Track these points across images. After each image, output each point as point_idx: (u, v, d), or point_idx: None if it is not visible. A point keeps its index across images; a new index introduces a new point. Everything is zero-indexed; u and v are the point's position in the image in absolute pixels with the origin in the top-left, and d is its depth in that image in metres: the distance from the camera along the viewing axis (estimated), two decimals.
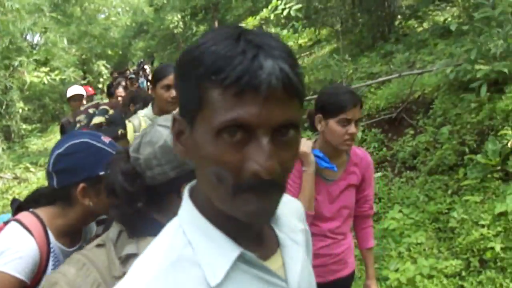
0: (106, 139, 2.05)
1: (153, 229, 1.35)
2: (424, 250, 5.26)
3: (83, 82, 19.30)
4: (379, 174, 7.33)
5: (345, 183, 3.01)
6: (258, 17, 10.60)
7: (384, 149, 7.78)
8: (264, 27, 10.84)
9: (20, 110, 15.92)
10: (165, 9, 20.76)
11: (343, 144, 2.80)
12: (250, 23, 10.52)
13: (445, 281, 4.72)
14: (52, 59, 16.37)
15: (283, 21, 10.94)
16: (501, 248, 4.54)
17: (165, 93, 3.74)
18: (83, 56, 20.68)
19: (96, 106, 3.10)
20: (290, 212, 1.25)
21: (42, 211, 2.02)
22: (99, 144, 2.00)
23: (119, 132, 2.76)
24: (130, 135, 3.42)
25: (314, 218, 2.91)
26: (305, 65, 13.37)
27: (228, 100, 0.89)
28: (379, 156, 7.70)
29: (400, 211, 5.91)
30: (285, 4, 10.02)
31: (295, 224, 1.23)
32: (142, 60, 40.65)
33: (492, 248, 4.57)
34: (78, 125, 2.91)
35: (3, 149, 13.56)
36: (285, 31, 10.54)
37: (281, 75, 0.89)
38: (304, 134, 8.15)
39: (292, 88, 0.92)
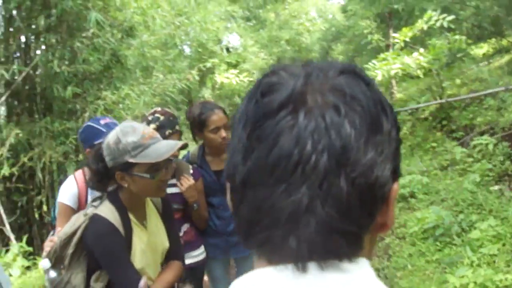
0: (103, 121, 3.35)
1: (109, 196, 2.58)
2: (494, 261, 5.39)
3: None
4: (496, 187, 7.36)
5: None
6: (414, 28, 10.76)
7: (508, 162, 7.74)
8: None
9: None
10: (356, 17, 21.21)
11: None
12: (405, 33, 10.73)
13: None
14: (243, 62, 17.71)
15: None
16: None
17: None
18: (271, 61, 21.84)
19: (153, 113, 3.94)
20: None
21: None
22: (95, 125, 3.31)
23: (167, 132, 3.56)
24: None
25: None
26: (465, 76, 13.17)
27: None
28: (502, 169, 7.69)
29: (489, 223, 6.02)
30: (439, 15, 10.16)
31: None
32: None
33: None
34: None
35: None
36: (440, 41, 10.62)
37: None
38: None
39: None
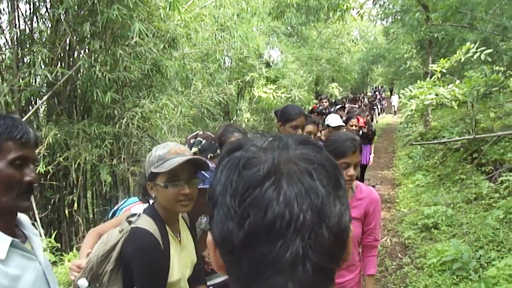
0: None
1: (146, 211, 2.69)
2: None
3: (315, 101, 20.78)
4: None
5: None
6: (452, 59, 10.74)
7: None
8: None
9: (246, 120, 17.51)
10: (397, 41, 21.22)
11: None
12: (442, 64, 10.71)
13: None
14: (282, 78, 17.80)
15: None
16: None
17: (292, 131, 4.67)
18: (310, 78, 21.91)
19: (196, 136, 4.03)
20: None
21: None
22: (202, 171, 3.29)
23: (209, 155, 3.67)
24: None
25: None
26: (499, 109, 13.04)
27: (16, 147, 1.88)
28: None
29: (507, 261, 6.03)
30: (478, 47, 10.14)
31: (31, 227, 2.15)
32: (379, 86, 41.48)
33: None
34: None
35: None
36: (476, 74, 10.59)
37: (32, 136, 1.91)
38: None
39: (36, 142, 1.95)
